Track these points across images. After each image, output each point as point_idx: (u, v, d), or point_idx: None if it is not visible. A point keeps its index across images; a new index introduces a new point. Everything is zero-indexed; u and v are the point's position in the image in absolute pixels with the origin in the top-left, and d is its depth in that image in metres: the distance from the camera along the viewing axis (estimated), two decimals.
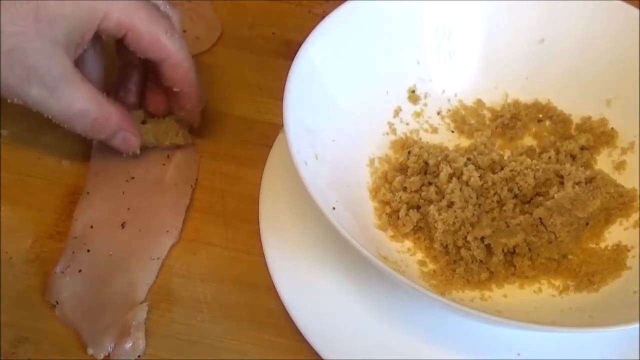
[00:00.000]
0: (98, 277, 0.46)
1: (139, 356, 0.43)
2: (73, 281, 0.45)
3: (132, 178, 0.50)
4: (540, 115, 0.54)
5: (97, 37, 0.47)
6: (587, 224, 0.47)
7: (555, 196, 0.46)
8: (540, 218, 0.46)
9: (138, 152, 0.50)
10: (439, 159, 0.48)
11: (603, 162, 0.51)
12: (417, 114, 0.53)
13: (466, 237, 0.45)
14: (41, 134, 0.52)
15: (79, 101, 0.44)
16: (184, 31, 0.58)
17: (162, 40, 0.46)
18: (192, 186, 0.51)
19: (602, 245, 0.47)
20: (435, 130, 0.53)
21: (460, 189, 0.46)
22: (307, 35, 0.47)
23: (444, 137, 0.53)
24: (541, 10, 0.53)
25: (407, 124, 0.53)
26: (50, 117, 0.45)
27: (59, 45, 0.43)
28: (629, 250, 0.46)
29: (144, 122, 0.51)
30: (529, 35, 0.53)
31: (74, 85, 0.44)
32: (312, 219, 0.47)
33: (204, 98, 0.51)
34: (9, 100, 0.44)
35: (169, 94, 0.50)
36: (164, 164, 0.51)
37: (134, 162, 0.50)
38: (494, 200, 0.47)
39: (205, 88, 0.55)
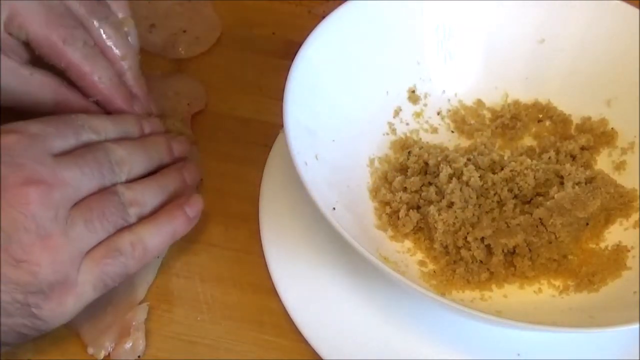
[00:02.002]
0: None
1: (139, 356, 0.43)
2: None
3: None
4: (540, 116, 0.54)
5: None
6: (587, 224, 0.47)
7: (555, 196, 0.46)
8: (540, 218, 0.46)
9: None
10: (439, 159, 0.48)
11: (603, 162, 0.51)
12: (417, 114, 0.53)
13: (466, 238, 0.45)
14: None
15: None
16: (184, 31, 0.58)
17: (59, 48, 0.44)
18: (197, 187, 0.50)
19: (602, 245, 0.47)
20: (435, 130, 0.53)
21: (461, 189, 0.46)
22: (307, 35, 0.47)
23: (444, 137, 0.53)
24: (541, 10, 0.53)
25: (407, 124, 0.53)
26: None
27: None
28: (629, 250, 0.46)
29: None
30: (529, 35, 0.53)
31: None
32: (312, 219, 0.47)
33: (146, 105, 0.50)
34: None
35: None
36: None
37: None
38: (494, 201, 0.47)
39: (205, 89, 0.56)
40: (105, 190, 0.41)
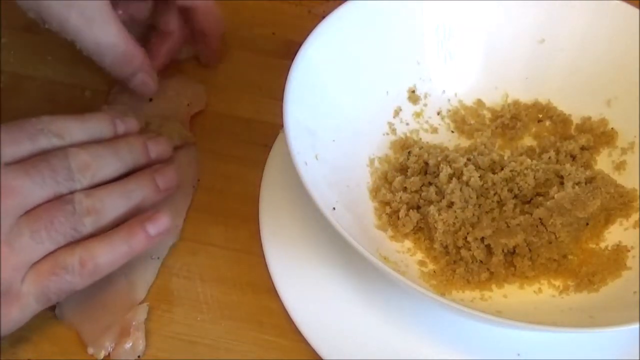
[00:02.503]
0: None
1: (139, 356, 0.43)
2: None
3: None
4: (540, 116, 0.54)
5: None
6: (587, 224, 0.47)
7: (555, 196, 0.46)
8: (540, 218, 0.46)
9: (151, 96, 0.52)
10: (439, 159, 0.48)
11: (603, 162, 0.51)
12: (417, 114, 0.53)
13: (466, 238, 0.45)
14: None
15: (110, 35, 0.47)
16: None
17: None
18: (194, 186, 0.51)
19: (602, 245, 0.47)
20: (435, 130, 0.53)
21: (461, 189, 0.46)
22: (307, 35, 0.47)
23: (444, 137, 0.53)
24: (541, 10, 0.53)
25: (407, 124, 0.53)
26: (81, 46, 0.46)
27: None
28: (629, 250, 0.46)
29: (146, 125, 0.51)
30: (529, 35, 0.53)
31: (108, 21, 0.46)
32: (312, 219, 0.47)
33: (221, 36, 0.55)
34: (45, 25, 0.45)
35: (194, 35, 0.55)
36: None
37: None
38: (494, 201, 0.47)
39: (205, 89, 0.56)
40: (59, 199, 0.40)
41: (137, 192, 0.44)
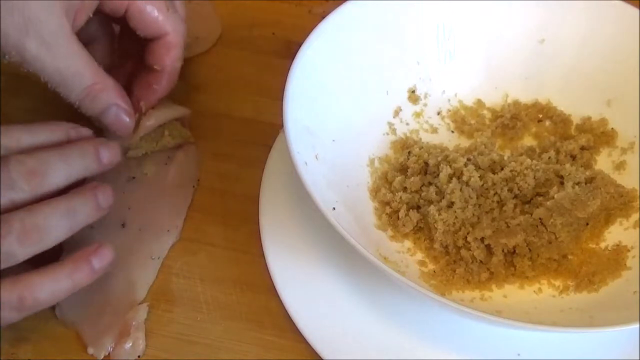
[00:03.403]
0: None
1: (139, 356, 0.43)
2: None
3: (133, 178, 0.50)
4: (540, 116, 0.54)
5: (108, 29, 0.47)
6: (587, 224, 0.47)
7: (555, 196, 0.46)
8: (540, 218, 0.46)
9: (131, 135, 0.48)
10: (439, 159, 0.48)
11: (603, 162, 0.51)
12: (417, 114, 0.53)
13: (466, 238, 0.45)
14: None
15: (75, 62, 0.43)
16: None
17: (161, 16, 0.46)
18: (194, 186, 0.51)
19: (602, 245, 0.47)
20: (435, 130, 0.53)
21: (461, 189, 0.46)
22: (307, 35, 0.47)
23: (444, 137, 0.53)
24: (541, 10, 0.53)
25: (407, 124, 0.53)
26: (45, 78, 0.43)
27: (57, 6, 0.42)
28: (629, 250, 0.46)
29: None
30: (529, 35, 0.53)
31: (71, 46, 0.43)
32: (312, 219, 0.47)
33: (173, 83, 0.50)
34: (7, 58, 0.42)
35: (143, 79, 0.49)
36: (165, 164, 0.51)
37: (135, 162, 0.50)
38: (494, 201, 0.47)
39: (205, 88, 0.56)
40: None
41: (78, 211, 0.41)
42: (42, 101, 0.54)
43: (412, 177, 0.48)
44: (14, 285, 0.39)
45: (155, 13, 0.46)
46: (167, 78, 0.48)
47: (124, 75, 0.50)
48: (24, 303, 0.39)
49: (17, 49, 0.41)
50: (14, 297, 0.38)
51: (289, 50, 0.47)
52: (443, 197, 0.46)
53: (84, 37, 0.47)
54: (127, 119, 0.47)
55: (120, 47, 0.51)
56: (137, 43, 0.49)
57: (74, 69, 0.43)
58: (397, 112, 0.52)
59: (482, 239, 0.45)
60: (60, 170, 0.41)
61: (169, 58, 0.48)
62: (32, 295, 0.39)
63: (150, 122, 0.49)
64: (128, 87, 0.49)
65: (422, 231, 0.47)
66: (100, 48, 0.50)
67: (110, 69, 0.48)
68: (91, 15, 0.45)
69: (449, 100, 0.54)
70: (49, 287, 0.40)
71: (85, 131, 0.45)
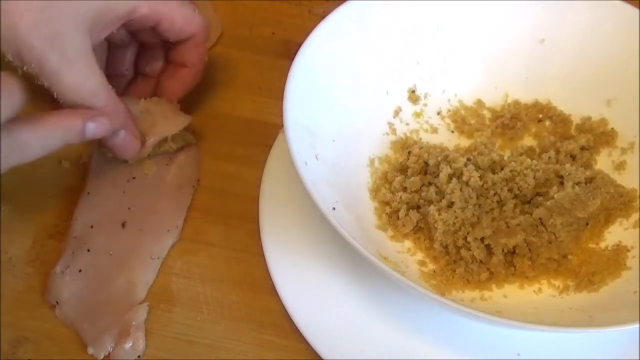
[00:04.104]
0: (98, 277, 0.46)
1: (139, 356, 0.43)
2: (73, 281, 0.45)
3: (133, 178, 0.50)
4: (540, 115, 0.54)
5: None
6: (587, 224, 0.47)
7: (555, 196, 0.46)
8: (540, 218, 0.46)
9: (133, 159, 0.49)
10: (439, 159, 0.48)
11: (603, 162, 0.51)
12: (417, 114, 0.53)
13: (466, 238, 0.45)
14: None
15: (91, 81, 0.44)
16: None
17: (193, 20, 0.49)
18: (194, 186, 0.51)
19: (602, 245, 0.47)
20: (435, 130, 0.53)
21: (460, 189, 0.46)
22: (307, 35, 0.47)
23: (444, 137, 0.53)
24: (541, 10, 0.53)
25: (407, 124, 0.53)
26: (59, 93, 0.43)
27: (86, 22, 0.43)
28: (629, 250, 0.46)
29: None
30: (529, 35, 0.53)
31: (90, 65, 0.44)
32: (312, 219, 0.47)
33: (201, 77, 0.53)
34: (25, 68, 0.42)
35: (171, 71, 0.52)
36: (166, 164, 0.51)
37: (136, 162, 0.50)
38: (494, 201, 0.47)
39: (205, 88, 0.56)
40: None
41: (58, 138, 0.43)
42: (42, 102, 0.54)
43: (412, 177, 0.48)
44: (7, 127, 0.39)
45: (186, 20, 0.49)
46: (196, 73, 0.52)
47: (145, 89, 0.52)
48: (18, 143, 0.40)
49: (39, 61, 0.42)
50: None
51: (289, 50, 0.47)
52: (443, 197, 0.46)
53: (115, 40, 0.50)
54: (134, 145, 0.48)
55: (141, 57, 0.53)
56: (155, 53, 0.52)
57: (90, 87, 0.44)
58: (397, 112, 0.52)
59: (482, 239, 0.45)
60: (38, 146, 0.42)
61: (197, 56, 0.51)
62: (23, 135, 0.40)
63: (152, 140, 0.50)
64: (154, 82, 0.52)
65: (422, 231, 0.47)
66: (129, 56, 0.52)
67: (132, 78, 0.52)
68: (115, 32, 0.47)
69: (449, 100, 0.54)
70: (39, 129, 0.41)
71: (105, 121, 0.45)
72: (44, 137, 0.42)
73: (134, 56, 0.53)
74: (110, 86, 0.45)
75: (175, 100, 0.51)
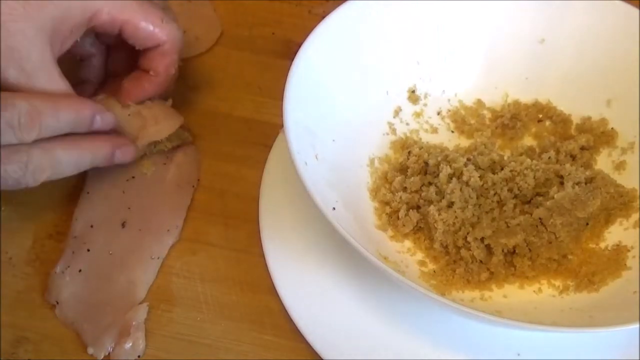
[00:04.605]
0: (98, 277, 0.46)
1: (138, 356, 0.43)
2: (73, 281, 0.45)
3: (133, 177, 0.50)
4: (540, 116, 0.54)
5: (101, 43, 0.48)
6: (587, 224, 0.47)
7: (555, 196, 0.46)
8: (540, 218, 0.46)
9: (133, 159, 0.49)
10: (439, 159, 0.48)
11: (603, 162, 0.51)
12: (417, 114, 0.53)
13: (466, 238, 0.45)
14: None
15: (55, 88, 0.43)
16: (184, 31, 0.58)
17: (157, 29, 0.47)
18: (193, 186, 0.51)
19: (602, 245, 0.47)
20: (435, 130, 0.53)
21: (460, 189, 0.46)
22: (307, 35, 0.47)
23: (444, 137, 0.53)
24: (541, 10, 0.53)
25: (407, 124, 0.53)
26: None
27: (44, 33, 0.42)
28: (629, 250, 0.46)
29: None
30: (529, 35, 0.53)
31: (51, 76, 0.43)
32: (312, 219, 0.47)
33: (165, 88, 0.51)
34: None
35: (136, 76, 0.50)
36: (164, 164, 0.51)
37: (135, 162, 0.50)
38: (494, 201, 0.47)
39: (205, 88, 0.56)
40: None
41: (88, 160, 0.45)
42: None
43: (412, 177, 0.48)
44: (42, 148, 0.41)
45: (151, 27, 0.47)
46: (159, 82, 0.50)
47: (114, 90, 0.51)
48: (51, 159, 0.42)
49: None
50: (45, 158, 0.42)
51: (289, 50, 0.47)
52: (443, 197, 0.46)
53: (78, 53, 0.49)
54: (130, 154, 0.48)
55: (113, 59, 0.52)
56: (129, 54, 0.50)
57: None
58: (397, 112, 0.52)
59: (482, 239, 0.45)
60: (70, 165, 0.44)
61: (162, 65, 0.49)
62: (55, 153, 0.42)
63: (141, 145, 0.50)
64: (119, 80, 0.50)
65: (422, 231, 0.47)
66: (94, 64, 0.51)
67: (103, 84, 0.50)
68: (78, 40, 0.46)
69: (449, 100, 0.54)
70: (73, 150, 0.43)
71: (110, 117, 0.46)
72: (76, 159, 0.44)
73: (102, 64, 0.52)
74: (74, 93, 0.45)
75: (129, 102, 0.50)
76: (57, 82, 0.44)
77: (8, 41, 0.41)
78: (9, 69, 0.42)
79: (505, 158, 0.49)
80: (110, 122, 0.46)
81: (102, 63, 0.52)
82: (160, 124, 0.50)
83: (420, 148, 0.49)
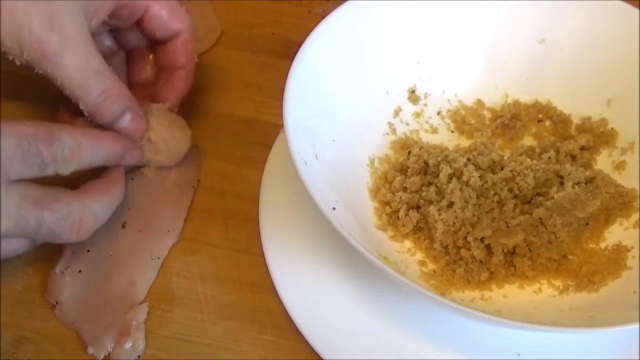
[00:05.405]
0: (98, 277, 0.46)
1: (138, 356, 0.43)
2: (73, 281, 0.45)
3: (132, 179, 0.50)
4: (540, 115, 0.54)
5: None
6: (587, 224, 0.47)
7: (555, 196, 0.46)
8: (540, 218, 0.46)
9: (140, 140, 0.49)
10: (439, 159, 0.48)
11: (603, 162, 0.51)
12: (417, 114, 0.53)
13: (466, 238, 0.45)
14: None
15: (95, 61, 0.43)
16: None
17: (180, 12, 0.48)
18: (194, 186, 0.51)
19: (602, 245, 0.47)
20: (435, 130, 0.53)
21: (460, 189, 0.46)
22: (307, 35, 0.47)
23: (444, 137, 0.53)
24: (541, 10, 0.53)
25: (407, 124, 0.53)
26: (62, 80, 0.42)
27: (80, 5, 0.43)
28: (629, 250, 0.46)
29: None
30: (529, 35, 0.53)
31: (91, 45, 0.43)
32: (312, 219, 0.47)
33: (194, 78, 0.51)
34: (25, 55, 0.41)
35: (163, 79, 0.51)
36: None
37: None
38: (494, 201, 0.47)
39: (205, 88, 0.56)
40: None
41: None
42: (42, 102, 0.54)
43: (412, 177, 0.48)
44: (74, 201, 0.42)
45: (171, 14, 0.48)
46: (187, 75, 0.50)
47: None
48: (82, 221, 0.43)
49: (40, 43, 0.41)
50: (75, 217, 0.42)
51: (289, 50, 0.47)
52: (443, 197, 0.46)
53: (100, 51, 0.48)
54: (141, 126, 0.47)
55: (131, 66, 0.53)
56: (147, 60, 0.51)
57: (95, 68, 0.43)
58: (397, 112, 0.52)
59: (482, 239, 0.45)
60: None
61: (187, 54, 0.50)
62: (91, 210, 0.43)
63: (153, 169, 0.50)
64: (151, 90, 0.51)
65: (422, 231, 0.47)
66: (116, 64, 0.51)
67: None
68: (106, 19, 0.46)
69: (449, 100, 0.54)
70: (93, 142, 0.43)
71: (137, 155, 0.48)
72: (94, 149, 0.43)
73: (123, 64, 0.52)
74: (110, 67, 0.45)
75: (175, 108, 0.50)
76: (95, 51, 0.43)
77: (51, 7, 0.41)
78: (53, 33, 0.41)
79: (505, 158, 0.49)
80: (136, 159, 0.48)
81: (123, 61, 0.52)
82: (171, 149, 0.50)
83: (420, 148, 0.49)
